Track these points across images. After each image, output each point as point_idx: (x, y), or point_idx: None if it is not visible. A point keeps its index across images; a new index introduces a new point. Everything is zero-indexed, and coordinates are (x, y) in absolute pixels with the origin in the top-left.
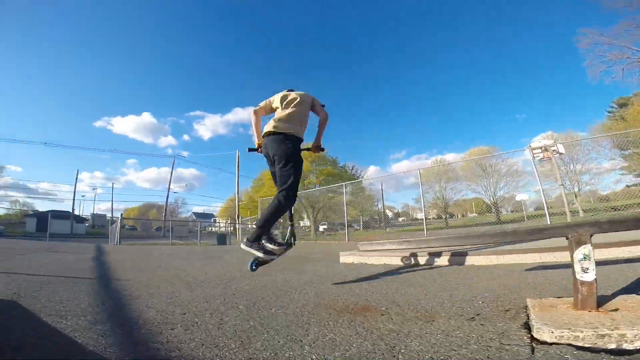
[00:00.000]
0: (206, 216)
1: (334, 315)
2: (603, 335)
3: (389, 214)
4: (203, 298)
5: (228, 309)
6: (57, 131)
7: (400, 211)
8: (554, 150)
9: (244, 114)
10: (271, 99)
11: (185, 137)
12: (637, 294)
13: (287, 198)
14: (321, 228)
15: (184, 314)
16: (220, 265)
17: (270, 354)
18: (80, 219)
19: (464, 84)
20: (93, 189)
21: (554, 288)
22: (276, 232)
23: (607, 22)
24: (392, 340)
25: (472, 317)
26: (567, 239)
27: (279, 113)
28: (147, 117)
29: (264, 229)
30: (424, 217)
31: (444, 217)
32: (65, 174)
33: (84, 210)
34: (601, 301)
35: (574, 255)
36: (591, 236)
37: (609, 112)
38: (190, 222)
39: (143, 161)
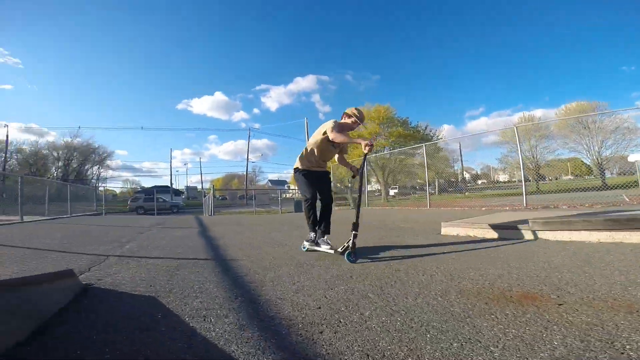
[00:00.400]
0: (280, 183)
1: (494, 305)
2: None
3: (467, 176)
4: (325, 282)
5: (359, 299)
6: (150, 116)
7: (479, 173)
8: None
9: (305, 82)
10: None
11: (255, 110)
12: None
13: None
14: (392, 192)
15: (319, 307)
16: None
17: None
18: (177, 192)
19: (553, 32)
20: (184, 164)
21: None
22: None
23: None
24: (601, 334)
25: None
26: None
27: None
28: (219, 96)
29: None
30: (523, 180)
31: (531, 180)
32: (161, 153)
33: (179, 183)
34: None
35: None
36: None
37: None
38: (269, 190)
39: (222, 136)
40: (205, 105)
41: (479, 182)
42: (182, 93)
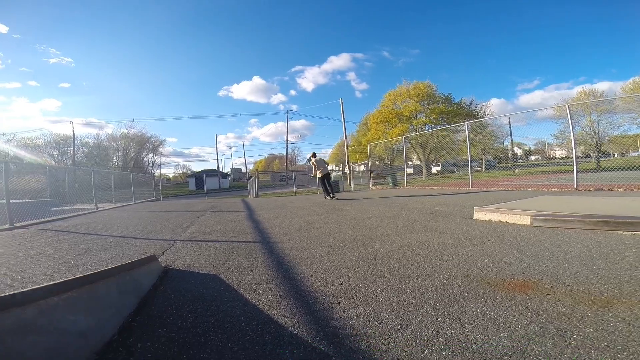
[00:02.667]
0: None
1: (489, 290)
2: None
3: (518, 151)
4: (349, 263)
5: (376, 278)
6: (195, 104)
7: (532, 148)
8: None
9: (339, 61)
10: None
11: (292, 92)
12: None
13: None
14: (434, 169)
15: (341, 284)
16: (347, 219)
17: (432, 332)
18: (224, 175)
19: None
20: (229, 148)
21: None
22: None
23: None
24: (561, 324)
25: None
26: None
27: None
28: (257, 80)
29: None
30: (574, 160)
31: (593, 156)
32: (207, 138)
33: (225, 166)
34: None
35: None
36: None
37: None
38: (307, 170)
39: (262, 119)
40: (244, 90)
41: (532, 158)
42: (222, 80)
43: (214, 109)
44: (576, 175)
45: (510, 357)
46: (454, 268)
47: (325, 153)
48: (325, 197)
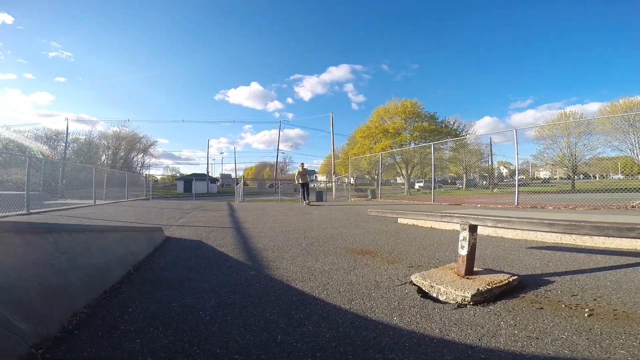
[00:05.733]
0: (310, 172)
1: (348, 253)
2: (432, 286)
3: (504, 171)
4: (287, 240)
5: (295, 245)
6: (189, 106)
7: (518, 168)
8: None
9: (338, 72)
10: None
11: (289, 100)
12: (504, 272)
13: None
14: (417, 185)
15: (274, 247)
16: (309, 219)
17: (305, 265)
18: (213, 180)
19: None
20: (220, 153)
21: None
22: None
23: None
24: (369, 273)
25: (411, 266)
26: (460, 224)
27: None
28: (255, 86)
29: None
30: (516, 178)
31: (566, 177)
32: (199, 142)
33: (215, 171)
34: (473, 271)
35: (460, 236)
36: (471, 227)
37: None
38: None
39: (256, 126)
40: (241, 95)
41: (518, 177)
42: (219, 84)
43: (209, 113)
44: (517, 195)
45: (343, 278)
46: (344, 244)
47: (317, 164)
48: (301, 202)
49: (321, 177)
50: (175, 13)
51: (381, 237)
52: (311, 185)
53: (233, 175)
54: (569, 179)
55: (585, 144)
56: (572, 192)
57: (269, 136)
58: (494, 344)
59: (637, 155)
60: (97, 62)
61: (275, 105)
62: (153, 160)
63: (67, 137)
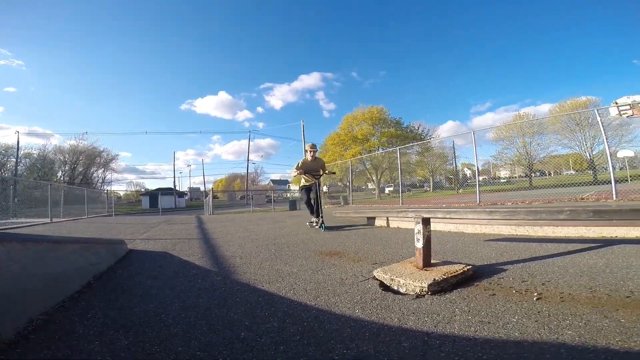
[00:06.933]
0: (282, 182)
1: (317, 255)
2: (393, 279)
3: (468, 172)
4: (256, 247)
5: (264, 251)
6: (153, 118)
7: (481, 169)
8: None
9: (309, 80)
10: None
11: (259, 109)
12: (460, 263)
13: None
14: (387, 190)
15: (242, 254)
16: (280, 227)
17: (274, 268)
18: (180, 194)
19: (564, 21)
20: (188, 165)
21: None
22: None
23: None
24: (337, 272)
25: (375, 263)
26: (414, 218)
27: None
28: (223, 95)
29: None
30: (477, 179)
31: (524, 175)
32: (164, 154)
33: (182, 185)
34: (431, 263)
35: (414, 229)
36: (424, 220)
37: None
38: (269, 190)
39: (225, 136)
40: (209, 105)
41: (480, 178)
42: (185, 94)
43: (175, 123)
44: (478, 194)
45: (310, 277)
46: (314, 247)
47: (290, 173)
48: (312, 223)
49: (294, 187)
50: (139, 19)
51: (349, 240)
52: (286, 195)
53: (202, 189)
54: (526, 176)
55: (539, 143)
56: (530, 189)
57: (238, 146)
58: (449, 330)
59: (585, 152)
60: (51, 72)
61: (245, 114)
62: (115, 175)
63: (17, 151)
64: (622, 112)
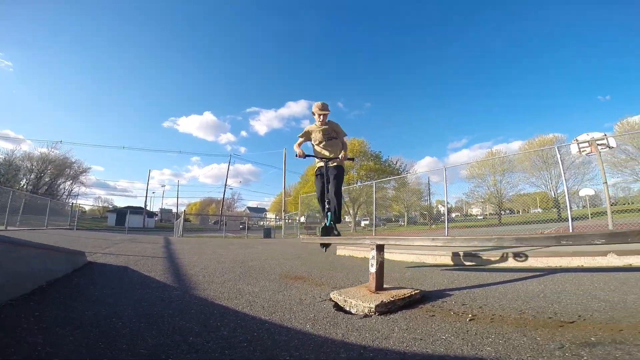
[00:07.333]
0: (259, 210)
1: (282, 278)
2: (346, 301)
3: (442, 209)
4: (222, 268)
5: (229, 272)
6: (132, 132)
7: (453, 206)
8: (602, 144)
9: (296, 107)
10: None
11: (243, 133)
12: (411, 288)
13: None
14: (363, 223)
15: (207, 274)
16: (249, 252)
17: (234, 286)
18: (150, 214)
19: (535, 60)
20: (162, 186)
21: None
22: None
23: None
24: (299, 287)
25: (335, 287)
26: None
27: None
28: (208, 116)
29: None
30: (446, 215)
31: (496, 213)
32: (139, 172)
33: (154, 205)
34: (384, 287)
35: (370, 255)
36: (378, 247)
37: None
38: (245, 217)
39: (205, 158)
40: (192, 124)
41: (453, 214)
42: (170, 110)
43: (155, 140)
44: (447, 229)
45: (270, 297)
46: (281, 272)
47: (268, 201)
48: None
49: (271, 215)
50: (131, 30)
51: (317, 266)
52: (261, 223)
53: (175, 210)
54: (497, 214)
55: (508, 182)
56: (499, 225)
57: (217, 170)
58: (384, 345)
59: (551, 190)
60: (36, 76)
61: (228, 137)
62: (83, 189)
63: None
64: (581, 150)
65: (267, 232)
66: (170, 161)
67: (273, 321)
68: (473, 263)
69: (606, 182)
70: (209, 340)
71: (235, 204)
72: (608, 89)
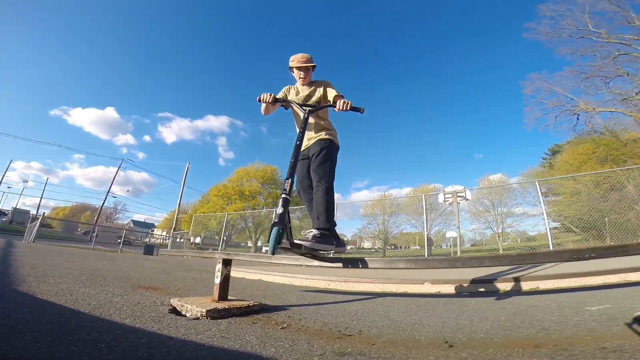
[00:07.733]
0: (147, 225)
1: (134, 287)
2: (183, 306)
3: None
4: (66, 273)
5: (71, 276)
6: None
7: (349, 239)
8: (460, 197)
9: (216, 122)
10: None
11: (147, 137)
12: (253, 301)
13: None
14: (264, 249)
15: (41, 275)
16: (111, 264)
17: (69, 287)
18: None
19: (428, 121)
20: (24, 181)
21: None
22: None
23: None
24: (146, 299)
25: (184, 296)
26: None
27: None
28: (110, 112)
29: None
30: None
31: (382, 248)
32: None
33: (8, 203)
34: (228, 298)
35: (216, 268)
36: (224, 262)
37: (543, 158)
38: (124, 230)
39: (92, 158)
40: (88, 118)
41: (349, 247)
42: (62, 98)
43: (34, 128)
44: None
45: (106, 298)
46: (137, 282)
47: (160, 216)
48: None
49: (159, 232)
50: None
51: (181, 281)
52: (146, 240)
53: (33, 212)
54: (382, 248)
55: (394, 222)
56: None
57: (103, 173)
58: (191, 338)
59: (426, 232)
60: None
61: (127, 139)
62: None
63: None
64: (446, 200)
65: (149, 249)
66: (44, 154)
67: (93, 314)
68: (330, 287)
69: (459, 227)
70: (4, 317)
71: (116, 215)
72: (481, 149)
